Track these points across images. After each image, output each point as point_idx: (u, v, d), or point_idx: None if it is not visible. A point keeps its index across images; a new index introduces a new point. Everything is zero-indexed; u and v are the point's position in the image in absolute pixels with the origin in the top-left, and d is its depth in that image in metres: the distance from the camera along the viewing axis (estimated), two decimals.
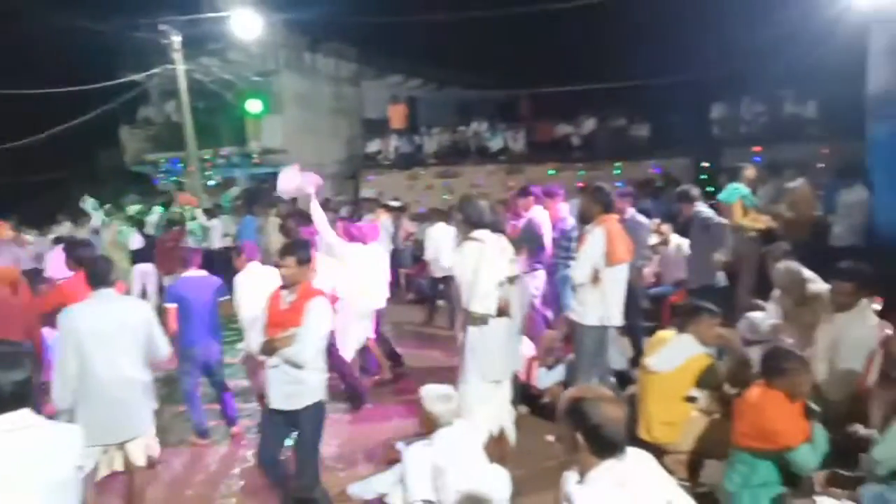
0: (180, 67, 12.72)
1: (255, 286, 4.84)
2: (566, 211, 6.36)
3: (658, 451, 3.81)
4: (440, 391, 3.24)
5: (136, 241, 9.33)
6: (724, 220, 5.80)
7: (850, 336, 3.66)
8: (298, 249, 3.59)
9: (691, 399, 3.85)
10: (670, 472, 3.69)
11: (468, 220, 3.87)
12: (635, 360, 5.66)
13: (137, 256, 9.21)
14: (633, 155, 12.58)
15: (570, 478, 1.97)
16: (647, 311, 6.67)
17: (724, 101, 12.46)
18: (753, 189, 7.08)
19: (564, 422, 2.00)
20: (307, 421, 3.47)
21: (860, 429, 3.21)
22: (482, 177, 12.66)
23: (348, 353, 5.78)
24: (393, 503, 3.18)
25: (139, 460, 3.44)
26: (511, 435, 4.11)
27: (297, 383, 3.41)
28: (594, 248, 4.32)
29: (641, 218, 6.18)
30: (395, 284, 7.66)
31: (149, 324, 3.49)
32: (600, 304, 4.37)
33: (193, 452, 4.92)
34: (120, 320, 3.37)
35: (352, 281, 5.63)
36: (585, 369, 4.47)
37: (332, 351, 5.44)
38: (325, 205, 11.07)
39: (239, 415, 5.30)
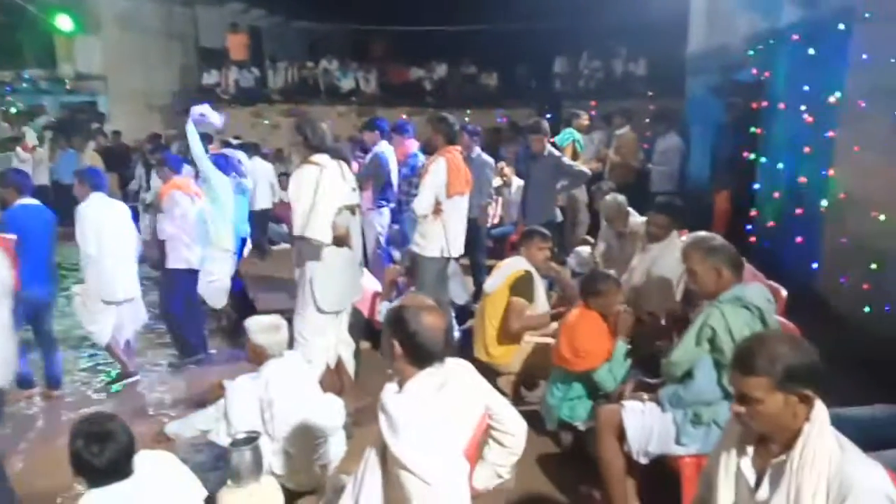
0: None
1: (102, 219, 4.34)
2: (416, 147, 6.29)
3: (493, 374, 4.00)
4: (266, 322, 3.04)
5: None
6: (587, 170, 6.02)
7: (662, 264, 3.98)
8: None
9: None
10: (502, 392, 3.88)
11: (307, 143, 3.59)
12: (477, 296, 5.86)
13: None
14: (483, 103, 12.81)
15: (389, 388, 1.92)
16: (490, 250, 6.90)
17: (565, 56, 13.03)
18: (584, 136, 7.53)
19: (385, 331, 1.94)
20: None
21: (666, 344, 3.54)
22: (333, 118, 12.18)
23: (219, 298, 5.31)
24: (216, 439, 2.97)
25: None
26: (350, 367, 4.05)
27: None
28: (436, 178, 4.30)
29: (487, 157, 6.30)
30: None
31: None
32: (441, 235, 4.39)
33: None
34: None
35: (223, 213, 5.18)
36: None
37: (191, 301, 4.95)
38: (156, 140, 10.08)
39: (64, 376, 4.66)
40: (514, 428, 2.16)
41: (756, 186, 6.06)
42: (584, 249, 5.47)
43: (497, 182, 7.26)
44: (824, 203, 4.85)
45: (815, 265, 4.92)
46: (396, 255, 6.33)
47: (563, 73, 13.04)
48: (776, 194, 5.61)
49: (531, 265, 4.03)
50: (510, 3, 12.10)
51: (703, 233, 3.07)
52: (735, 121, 6.68)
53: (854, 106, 4.48)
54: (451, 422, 1.86)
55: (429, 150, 4.63)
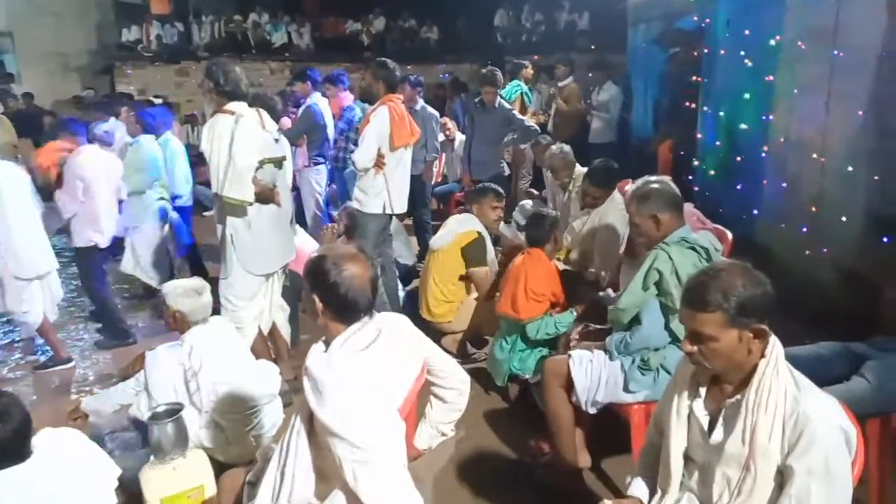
0: None
1: (3, 187, 3.80)
2: (351, 100, 5.98)
3: (438, 334, 3.87)
4: (186, 285, 2.78)
5: None
6: (536, 127, 5.83)
7: (606, 223, 3.88)
8: None
9: (467, 278, 3.90)
10: (447, 351, 3.75)
11: (219, 90, 3.22)
12: (422, 256, 5.69)
13: None
14: (424, 58, 12.41)
15: (316, 349, 1.72)
16: (435, 211, 6.70)
17: (506, 9, 12.73)
18: (530, 88, 7.36)
19: (306, 285, 1.73)
20: None
21: (610, 292, 3.46)
22: (265, 74, 11.56)
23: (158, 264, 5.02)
24: (137, 414, 2.73)
25: None
26: (286, 332, 3.83)
27: None
28: (378, 129, 4.04)
29: (432, 110, 6.05)
30: None
31: None
32: (383, 190, 4.15)
33: None
34: None
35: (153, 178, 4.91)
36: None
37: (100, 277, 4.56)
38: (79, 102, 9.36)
39: None
40: (455, 383, 2.01)
41: (698, 135, 6.03)
42: (527, 203, 5.37)
43: (440, 137, 7.03)
44: (765, 149, 4.84)
45: (755, 211, 4.95)
46: (336, 214, 6.07)
47: (504, 26, 12.75)
48: (718, 142, 5.60)
49: (482, 224, 3.87)
50: None
51: (641, 180, 2.99)
52: (677, 70, 6.62)
53: (793, 48, 4.44)
54: (383, 380, 1.68)
55: (368, 99, 4.34)
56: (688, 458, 1.64)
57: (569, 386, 2.60)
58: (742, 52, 5.11)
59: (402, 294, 4.63)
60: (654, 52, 7.47)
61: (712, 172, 5.69)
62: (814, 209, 4.25)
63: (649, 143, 7.09)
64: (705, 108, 5.94)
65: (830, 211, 4.09)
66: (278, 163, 3.45)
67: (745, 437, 1.48)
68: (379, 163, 4.08)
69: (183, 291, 2.78)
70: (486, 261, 3.83)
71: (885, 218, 3.59)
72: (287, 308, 3.87)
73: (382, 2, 12.83)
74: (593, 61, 7.60)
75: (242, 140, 3.14)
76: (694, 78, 6.09)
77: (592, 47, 10.96)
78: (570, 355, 2.64)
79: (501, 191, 4.04)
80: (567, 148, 4.66)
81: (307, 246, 4.73)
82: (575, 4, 12.25)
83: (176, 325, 2.81)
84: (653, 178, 3.28)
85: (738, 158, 5.25)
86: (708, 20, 6.01)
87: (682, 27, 6.80)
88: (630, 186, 3.53)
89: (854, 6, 3.88)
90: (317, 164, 5.73)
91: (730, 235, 3.29)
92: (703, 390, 1.62)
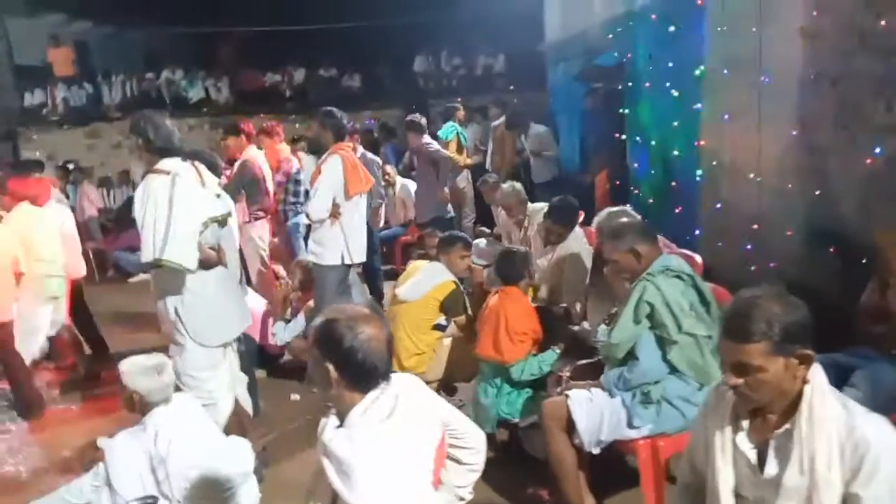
0: None
1: None
2: (289, 152, 5.87)
3: None
4: (146, 363, 2.51)
5: None
6: (446, 153, 5.90)
7: (570, 256, 3.88)
8: None
9: (440, 327, 3.79)
10: None
11: (150, 147, 2.90)
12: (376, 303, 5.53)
13: None
14: (348, 106, 12.36)
15: (329, 424, 1.54)
16: (381, 255, 6.58)
17: (425, 54, 13.01)
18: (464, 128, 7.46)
19: (314, 354, 1.56)
20: None
21: (585, 325, 3.45)
22: (183, 131, 11.12)
23: (31, 347, 4.48)
24: None
25: None
26: (247, 403, 3.54)
27: None
28: (332, 178, 3.92)
29: (373, 155, 6.05)
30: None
31: None
32: (340, 240, 4.02)
33: None
34: None
35: (32, 250, 4.39)
36: None
37: (5, 347, 4.14)
38: None
39: None
40: (473, 441, 1.87)
41: (634, 165, 6.26)
42: (481, 241, 5.35)
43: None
44: (699, 172, 5.06)
45: (696, 232, 5.12)
46: (280, 270, 5.82)
47: (425, 71, 13.00)
48: (652, 170, 5.82)
49: (452, 273, 3.79)
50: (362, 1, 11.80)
51: (604, 215, 3.02)
52: (599, 105, 6.88)
53: (717, 76, 4.70)
54: (411, 451, 1.53)
55: (316, 149, 4.27)
56: (737, 496, 1.57)
57: (569, 428, 2.52)
58: (668, 84, 5.38)
59: None
60: (576, 89, 7.76)
61: (651, 200, 5.89)
62: (755, 226, 4.44)
63: (579, 176, 7.30)
64: (637, 139, 6.19)
65: (774, 227, 4.27)
66: (222, 221, 3.20)
67: (802, 468, 1.43)
68: (334, 213, 3.98)
69: (140, 370, 2.51)
70: (466, 310, 3.75)
71: (829, 230, 3.77)
72: (245, 377, 3.59)
73: (301, 52, 12.76)
74: (510, 115, 7.50)
75: (182, 203, 2.81)
76: (620, 110, 6.35)
77: (511, 88, 11.32)
78: (567, 395, 2.56)
79: (469, 239, 4.02)
80: (518, 185, 4.71)
81: (256, 305, 4.49)
82: (491, 48, 12.68)
83: (134, 407, 2.52)
84: (614, 209, 3.32)
85: (674, 184, 5.46)
86: (628, 55, 6.32)
87: (601, 63, 7.11)
88: (595, 219, 3.58)
89: (773, 34, 4.15)
90: (258, 218, 5.49)
91: (699, 259, 3.35)
92: (745, 423, 1.57)
